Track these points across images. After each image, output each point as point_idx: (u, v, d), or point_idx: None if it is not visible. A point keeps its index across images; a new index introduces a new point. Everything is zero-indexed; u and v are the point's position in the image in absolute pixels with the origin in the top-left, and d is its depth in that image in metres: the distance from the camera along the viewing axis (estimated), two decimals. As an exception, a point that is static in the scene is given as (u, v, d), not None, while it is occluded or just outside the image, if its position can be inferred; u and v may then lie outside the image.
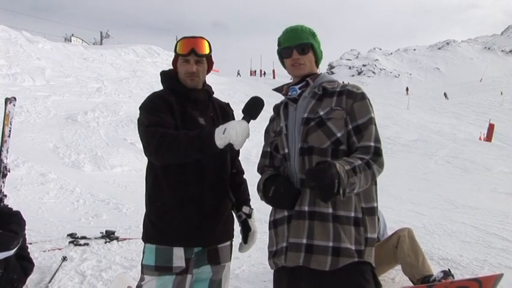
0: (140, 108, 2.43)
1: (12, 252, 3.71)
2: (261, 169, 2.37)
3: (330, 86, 2.20)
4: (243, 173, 2.78)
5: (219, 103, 2.66)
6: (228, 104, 2.72)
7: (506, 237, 6.12)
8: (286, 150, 2.17)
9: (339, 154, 2.06)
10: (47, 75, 19.71)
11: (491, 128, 22.96)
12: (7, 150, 4.33)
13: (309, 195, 2.04)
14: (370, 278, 2.05)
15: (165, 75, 2.57)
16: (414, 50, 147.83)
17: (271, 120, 2.39)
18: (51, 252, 5.16)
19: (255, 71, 59.43)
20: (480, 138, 22.30)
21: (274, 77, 49.89)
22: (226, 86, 30.07)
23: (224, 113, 2.61)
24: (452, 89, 62.72)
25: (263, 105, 2.30)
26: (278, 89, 2.38)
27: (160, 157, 2.28)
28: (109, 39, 52.26)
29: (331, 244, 1.99)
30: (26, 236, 4.18)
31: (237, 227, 2.63)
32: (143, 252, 2.43)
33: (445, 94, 51.98)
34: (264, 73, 58.14)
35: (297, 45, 2.22)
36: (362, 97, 2.14)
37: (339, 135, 2.07)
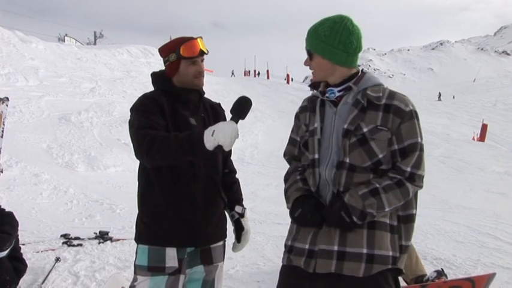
0: (131, 110, 2.42)
1: (4, 253, 3.70)
2: (288, 156, 2.33)
3: (375, 95, 2.01)
4: (235, 172, 2.79)
5: (210, 103, 2.65)
6: (219, 104, 2.72)
7: (499, 236, 6.16)
8: (316, 156, 2.07)
9: (378, 172, 2.01)
10: (41, 75, 19.60)
11: (484, 128, 23.06)
12: (0, 151, 4.31)
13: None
14: (392, 283, 2.06)
15: (156, 77, 2.56)
16: (408, 50, 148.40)
17: (303, 108, 2.24)
18: (44, 253, 5.13)
19: (249, 71, 59.41)
20: (473, 139, 22.41)
21: (268, 78, 49.88)
22: (220, 86, 30.02)
23: (215, 113, 2.60)
24: (446, 89, 62.96)
25: (251, 104, 2.28)
26: (314, 86, 2.20)
27: (151, 159, 2.28)
28: (103, 40, 52.07)
29: (365, 251, 1.97)
30: (19, 237, 4.16)
31: (230, 227, 2.63)
32: (136, 253, 2.43)
33: (439, 94, 52.20)
34: (258, 73, 58.12)
35: (306, 50, 2.13)
36: (411, 117, 1.99)
37: (380, 156, 1.99)
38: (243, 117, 2.26)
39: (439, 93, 53.23)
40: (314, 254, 2.01)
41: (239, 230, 2.60)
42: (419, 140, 2.01)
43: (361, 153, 1.98)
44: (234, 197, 2.67)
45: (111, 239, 5.75)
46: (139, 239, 2.44)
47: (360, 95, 2.03)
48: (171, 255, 2.35)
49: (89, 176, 10.75)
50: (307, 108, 2.20)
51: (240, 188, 2.75)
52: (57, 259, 4.81)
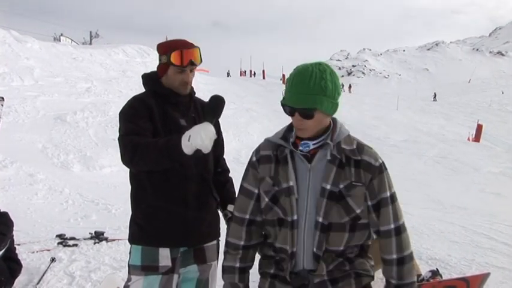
0: (120, 113, 2.44)
1: (-1, 253, 3.69)
2: (241, 212, 2.12)
3: (349, 148, 1.96)
4: (228, 171, 2.80)
5: (201, 103, 2.65)
6: None
7: (494, 236, 6.19)
8: (295, 217, 1.95)
9: (356, 228, 1.99)
10: (36, 75, 19.52)
11: (479, 128, 23.18)
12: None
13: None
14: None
15: (147, 78, 2.57)
16: (404, 50, 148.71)
17: (265, 158, 2.06)
18: (39, 253, 5.12)
19: (245, 72, 59.45)
20: (468, 139, 22.51)
21: (264, 78, 49.94)
22: (216, 86, 30.00)
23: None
24: (442, 89, 63.12)
25: (224, 103, 2.31)
26: (284, 137, 2.03)
27: (135, 166, 2.32)
28: (98, 39, 51.97)
29: (353, 274, 2.03)
30: (14, 237, 4.14)
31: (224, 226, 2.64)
32: (130, 253, 2.45)
33: (434, 95, 52.35)
34: (254, 74, 58.19)
35: (299, 108, 1.89)
36: (380, 171, 1.97)
37: (358, 211, 1.95)
38: (218, 117, 2.28)
39: (434, 93, 53.38)
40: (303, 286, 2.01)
41: None
42: (391, 191, 1.99)
43: (339, 209, 1.93)
44: (227, 196, 2.68)
45: (106, 239, 5.74)
46: (132, 239, 2.46)
47: (335, 150, 1.95)
48: (164, 255, 2.37)
49: (85, 176, 10.73)
50: (271, 159, 2.03)
51: (234, 187, 2.74)
52: (53, 259, 4.80)
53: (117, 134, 2.41)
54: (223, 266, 2.16)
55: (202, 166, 2.48)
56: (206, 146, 2.10)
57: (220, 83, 33.33)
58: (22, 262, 4.22)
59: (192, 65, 2.44)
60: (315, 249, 1.96)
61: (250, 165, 2.11)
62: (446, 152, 16.65)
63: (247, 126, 18.57)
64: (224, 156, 2.85)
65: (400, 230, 1.99)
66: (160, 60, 2.49)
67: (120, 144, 2.34)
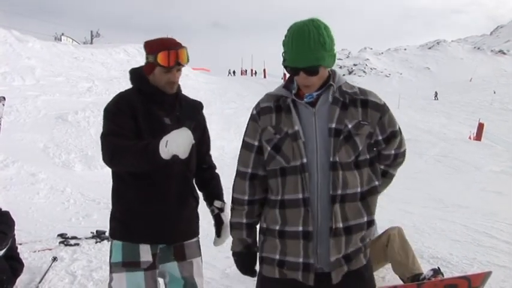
0: (104, 110, 2.45)
1: (1, 253, 3.70)
2: (244, 166, 2.17)
3: (351, 91, 2.07)
4: (214, 168, 2.83)
5: (187, 100, 2.65)
6: (198, 102, 2.68)
7: (495, 235, 6.18)
8: (304, 160, 1.98)
9: (360, 165, 2.04)
10: (37, 74, 19.52)
11: (480, 127, 23.16)
12: (-4, 150, 4.30)
13: (340, 212, 1.99)
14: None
15: (134, 74, 2.57)
16: (405, 49, 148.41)
17: (265, 109, 2.12)
18: (41, 252, 5.13)
19: (246, 70, 59.43)
20: (470, 138, 22.49)
21: (265, 77, 49.88)
22: (218, 85, 30.02)
23: (192, 111, 2.53)
24: (443, 88, 63.06)
25: (202, 107, 2.42)
26: (286, 86, 2.11)
27: (115, 167, 2.39)
28: (99, 39, 52.05)
29: (360, 244, 2.09)
30: (16, 237, 4.16)
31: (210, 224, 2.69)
32: (110, 251, 2.48)
33: (435, 93, 52.28)
34: (255, 72, 58.15)
35: (303, 68, 1.97)
36: (387, 109, 2.12)
37: (361, 148, 2.03)
38: (195, 121, 2.30)
39: (436, 92, 53.31)
40: (310, 267, 2.02)
41: (219, 224, 2.66)
42: (397, 127, 2.15)
43: (348, 149, 2.00)
44: (213, 192, 2.72)
45: (108, 239, 5.74)
46: (113, 235, 2.50)
47: (337, 93, 2.04)
48: (145, 250, 2.41)
49: (86, 176, 10.72)
50: (271, 109, 2.09)
51: (220, 183, 2.79)
52: (54, 258, 4.81)
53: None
54: (230, 223, 2.24)
55: (185, 164, 2.47)
56: (183, 152, 2.13)
57: (221, 82, 33.32)
58: (24, 261, 4.24)
59: (179, 65, 2.44)
60: (331, 191, 1.98)
61: (251, 118, 2.17)
62: (447, 151, 16.63)
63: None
64: (210, 153, 2.85)
65: (398, 156, 2.22)
66: (147, 58, 2.48)
67: (101, 144, 2.36)
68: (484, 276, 3.80)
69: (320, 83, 2.04)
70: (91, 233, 5.92)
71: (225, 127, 17.67)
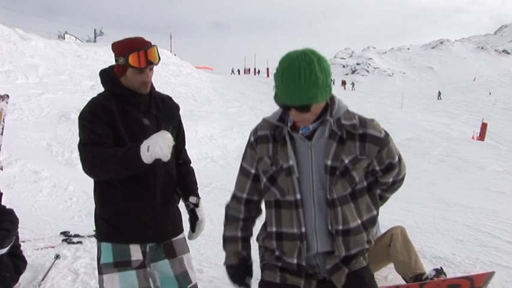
0: (79, 118, 2.39)
1: (4, 250, 3.71)
2: (240, 191, 2.18)
3: (350, 123, 1.98)
4: (190, 162, 2.84)
5: (161, 98, 2.63)
6: (170, 98, 2.67)
7: (498, 235, 6.16)
8: (298, 196, 1.97)
9: (357, 195, 2.02)
10: (41, 72, 19.56)
11: (484, 127, 23.13)
12: (0, 148, 4.31)
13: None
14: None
15: (105, 77, 2.51)
16: (408, 49, 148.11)
17: (262, 138, 2.07)
18: (44, 250, 5.14)
19: (249, 69, 59.47)
20: (473, 137, 22.45)
21: (268, 75, 49.89)
22: (221, 83, 30.00)
23: (168, 107, 2.46)
24: (446, 88, 62.93)
25: (179, 109, 2.39)
26: (281, 119, 2.03)
27: (97, 176, 2.38)
28: (103, 37, 52.07)
29: (367, 246, 2.10)
30: (19, 234, 4.17)
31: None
32: (99, 253, 2.47)
33: (439, 93, 52.21)
34: (258, 71, 58.19)
35: (295, 106, 1.86)
36: (387, 142, 2.03)
37: (357, 179, 2.00)
38: (174, 122, 2.32)
39: (439, 91, 53.22)
40: (314, 274, 2.07)
41: (194, 219, 2.69)
42: (396, 159, 2.10)
43: (344, 183, 1.97)
44: (188, 187, 2.73)
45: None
46: (101, 237, 2.50)
47: (335, 126, 1.96)
48: (135, 249, 2.42)
49: (89, 174, 10.73)
50: (268, 139, 2.04)
51: (195, 178, 2.81)
52: (57, 256, 4.82)
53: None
54: (224, 237, 2.22)
55: (169, 164, 2.46)
56: (165, 155, 2.15)
57: (224, 81, 33.31)
58: (27, 259, 4.24)
59: (151, 64, 2.40)
60: (329, 227, 1.98)
61: (249, 145, 2.14)
62: (450, 151, 16.61)
63: (251, 124, 18.41)
64: (186, 147, 2.85)
65: (394, 183, 2.20)
66: (117, 61, 2.41)
67: (79, 154, 2.33)
68: (487, 276, 3.80)
69: (314, 117, 1.95)
70: (94, 231, 5.88)
71: (228, 126, 17.65)
